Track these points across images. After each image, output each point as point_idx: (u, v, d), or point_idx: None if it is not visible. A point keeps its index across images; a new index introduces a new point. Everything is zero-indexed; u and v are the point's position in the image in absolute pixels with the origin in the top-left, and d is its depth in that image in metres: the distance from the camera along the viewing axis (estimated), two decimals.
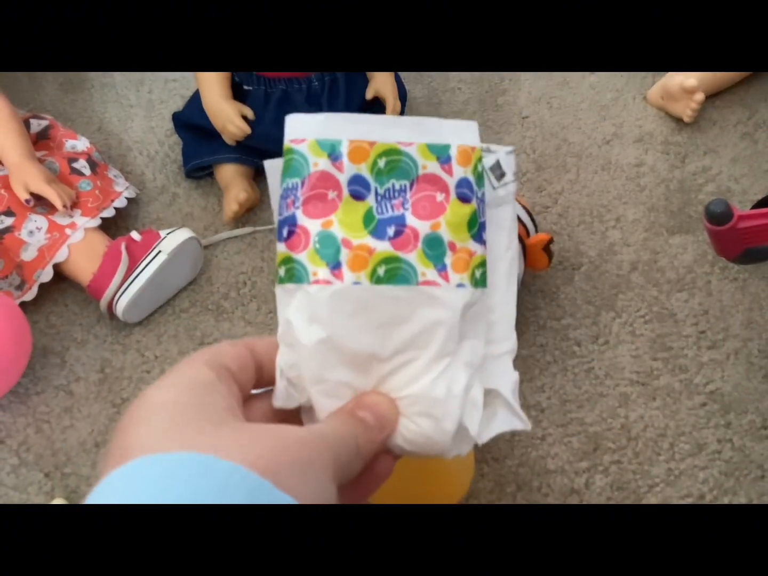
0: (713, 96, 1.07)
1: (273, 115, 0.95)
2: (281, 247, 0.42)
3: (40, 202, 0.84)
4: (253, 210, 0.94)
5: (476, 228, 0.46)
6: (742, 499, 0.71)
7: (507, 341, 0.47)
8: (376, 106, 0.97)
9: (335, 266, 0.43)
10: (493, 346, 0.47)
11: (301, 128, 0.43)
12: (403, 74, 1.05)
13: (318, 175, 0.43)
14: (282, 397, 0.43)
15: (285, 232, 0.43)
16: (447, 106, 1.10)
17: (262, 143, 0.95)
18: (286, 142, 0.42)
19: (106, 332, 0.82)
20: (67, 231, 0.83)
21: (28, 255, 0.82)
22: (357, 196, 0.44)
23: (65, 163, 0.89)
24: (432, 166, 0.45)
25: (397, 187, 0.44)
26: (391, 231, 0.44)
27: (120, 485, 0.32)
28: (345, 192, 0.43)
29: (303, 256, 0.43)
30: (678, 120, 1.06)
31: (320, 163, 0.42)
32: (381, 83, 0.96)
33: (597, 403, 0.77)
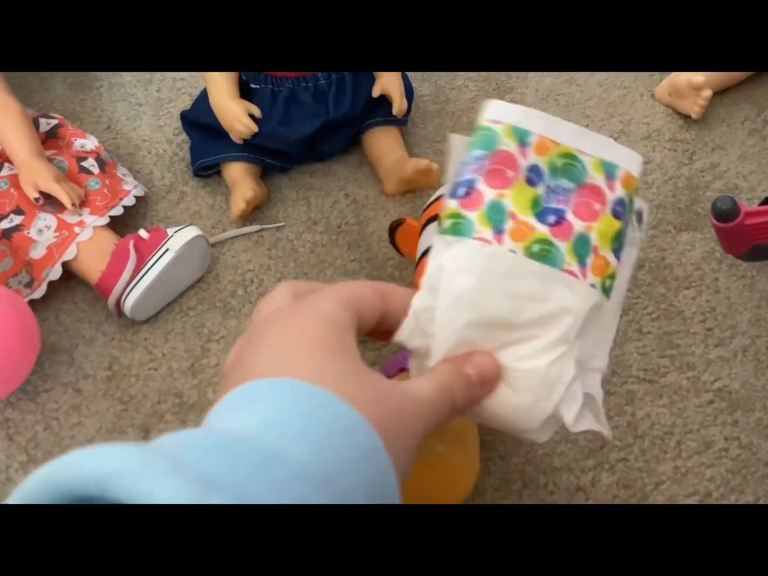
0: (721, 93, 1.07)
1: (280, 114, 0.95)
2: (453, 203, 0.49)
3: (49, 201, 0.84)
4: (260, 208, 0.95)
5: (618, 244, 0.51)
6: (749, 498, 0.71)
7: (602, 359, 0.52)
8: (383, 104, 0.97)
9: (498, 231, 0.48)
10: (590, 359, 0.51)
11: (501, 113, 0.50)
12: (410, 72, 1.05)
13: (504, 154, 0.49)
14: (406, 335, 0.47)
15: (462, 192, 0.49)
16: (454, 104, 1.10)
17: (270, 141, 0.95)
18: (484, 121, 0.50)
19: (114, 330, 0.83)
20: (76, 229, 0.83)
21: (37, 253, 0.82)
22: (531, 182, 0.49)
23: (74, 162, 0.89)
24: (599, 179, 0.50)
25: (565, 186, 0.50)
26: (552, 219, 0.49)
27: (266, 396, 0.35)
28: (522, 175, 0.49)
29: (473, 215, 0.48)
30: (686, 117, 1.06)
31: (510, 145, 0.49)
32: (388, 81, 0.96)
33: (603, 401, 0.77)
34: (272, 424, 0.33)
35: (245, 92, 0.95)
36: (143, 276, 0.81)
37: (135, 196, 0.90)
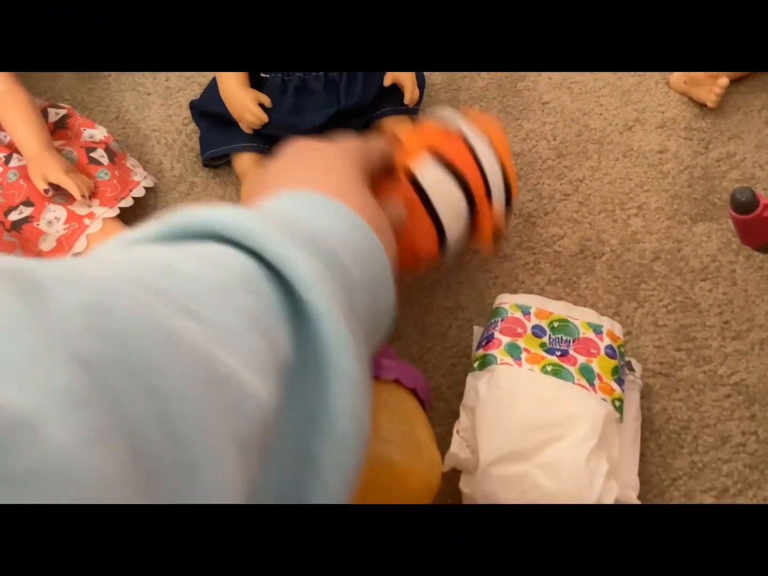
0: (737, 81, 1.05)
1: (290, 103, 0.94)
2: (479, 352, 0.67)
3: (59, 192, 0.84)
4: None
5: (618, 375, 0.65)
6: (767, 493, 0.70)
7: (633, 481, 0.64)
8: (394, 93, 0.96)
9: (516, 358, 0.64)
10: (622, 485, 0.61)
11: (507, 298, 0.72)
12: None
13: (512, 319, 0.68)
14: (456, 451, 0.62)
15: (484, 342, 0.68)
16: (466, 92, 1.08)
17: (280, 131, 0.94)
18: (496, 304, 0.72)
19: None
20: (86, 221, 0.82)
21: (46, 245, 0.82)
22: (536, 335, 0.66)
23: (83, 153, 0.89)
24: (589, 334, 0.67)
25: (563, 339, 0.66)
26: (558, 353, 0.65)
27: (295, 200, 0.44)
28: (528, 332, 0.66)
29: (495, 352, 0.65)
30: (701, 105, 1.04)
31: (516, 314, 0.68)
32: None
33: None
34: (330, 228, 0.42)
35: (255, 81, 0.94)
36: None
37: (144, 187, 0.89)
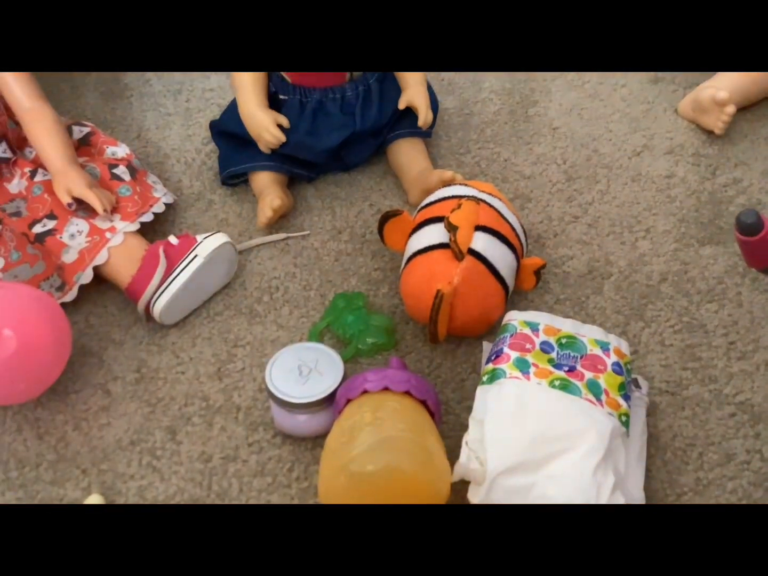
0: (744, 109, 1.07)
1: (308, 124, 0.96)
2: (489, 366, 0.69)
3: (82, 206, 0.86)
4: (286, 216, 0.96)
5: (624, 391, 0.67)
6: None
7: (639, 495, 0.66)
8: (408, 116, 0.98)
9: (525, 373, 0.66)
10: (627, 498, 0.63)
11: (515, 315, 0.75)
12: (435, 85, 1.06)
13: (521, 335, 0.70)
14: (464, 461, 0.63)
15: (493, 356, 0.70)
16: (478, 117, 1.11)
17: (297, 151, 0.96)
18: (505, 320, 0.75)
19: (143, 333, 0.84)
20: (107, 235, 0.85)
21: (69, 257, 0.84)
22: (544, 351, 0.69)
23: (106, 169, 0.91)
24: (597, 351, 0.69)
25: (571, 355, 0.68)
26: (566, 368, 0.67)
27: None
28: (537, 347, 0.69)
29: (504, 366, 0.67)
30: (709, 132, 1.06)
31: (525, 330, 0.71)
32: (414, 93, 0.97)
33: None
34: None
35: (274, 103, 0.97)
36: (172, 281, 0.82)
37: (164, 203, 0.92)
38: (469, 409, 0.69)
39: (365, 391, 0.68)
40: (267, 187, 0.96)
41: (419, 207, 0.87)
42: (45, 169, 0.90)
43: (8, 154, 0.92)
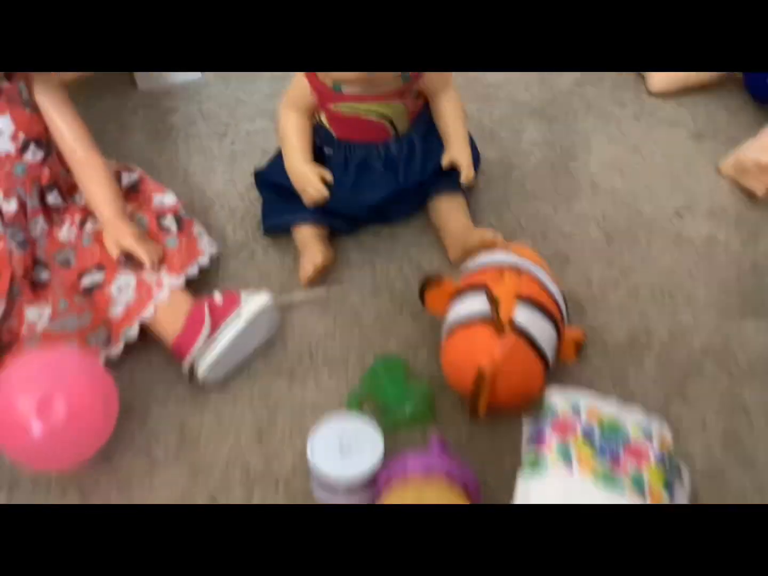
0: None
1: (352, 180, 0.97)
2: (530, 450, 0.71)
3: (130, 259, 0.87)
4: (328, 270, 0.97)
5: (668, 486, 0.68)
6: None
7: None
8: (450, 171, 0.98)
9: (568, 463, 0.67)
10: None
11: (556, 398, 0.74)
12: (476, 136, 1.06)
13: (563, 419, 0.71)
14: None
15: (535, 438, 0.72)
16: (518, 170, 1.11)
17: (341, 206, 0.97)
18: (546, 400, 0.75)
19: (185, 392, 0.85)
20: (154, 290, 0.86)
21: (116, 311, 0.85)
22: (587, 436, 0.70)
23: (154, 219, 0.92)
24: (640, 438, 0.70)
25: (614, 442, 0.69)
26: (609, 456, 0.68)
27: None
28: (579, 432, 0.70)
29: (546, 454, 0.68)
30: (752, 194, 1.06)
31: (566, 411, 0.72)
32: (456, 150, 0.97)
33: None
34: None
35: (319, 157, 0.98)
36: (217, 342, 0.83)
37: (209, 255, 0.93)
38: (508, 490, 0.69)
39: (405, 477, 0.69)
40: (310, 241, 0.96)
41: (462, 272, 0.88)
42: (94, 217, 0.91)
43: (59, 201, 0.93)
